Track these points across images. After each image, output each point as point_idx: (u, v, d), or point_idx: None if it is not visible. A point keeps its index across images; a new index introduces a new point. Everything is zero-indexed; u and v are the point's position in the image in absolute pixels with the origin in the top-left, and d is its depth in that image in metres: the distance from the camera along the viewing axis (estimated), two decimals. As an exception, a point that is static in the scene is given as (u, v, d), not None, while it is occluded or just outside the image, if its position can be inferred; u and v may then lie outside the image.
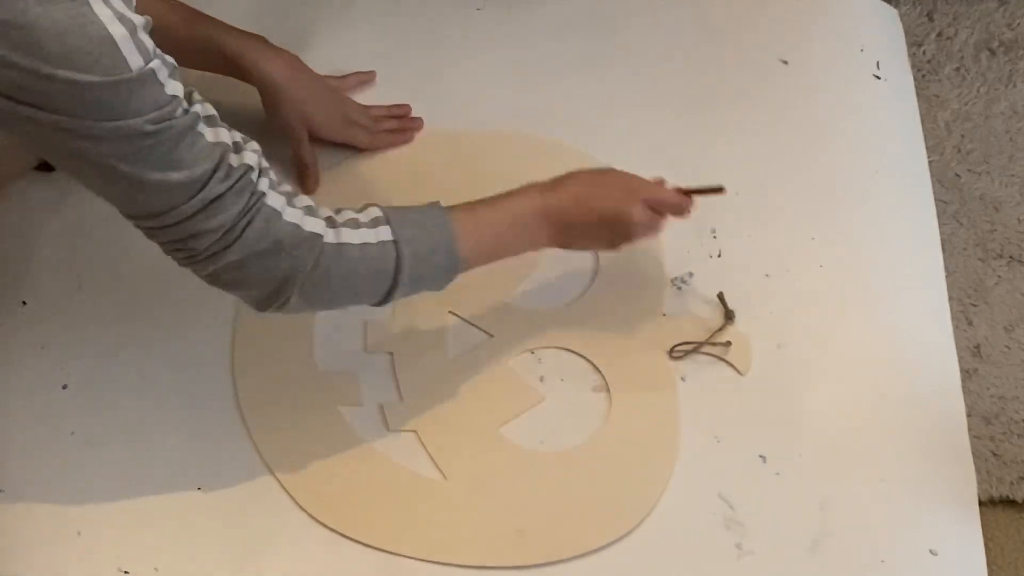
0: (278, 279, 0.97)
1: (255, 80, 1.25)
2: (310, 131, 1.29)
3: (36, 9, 0.81)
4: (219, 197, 0.92)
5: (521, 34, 1.45)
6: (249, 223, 0.94)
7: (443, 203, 1.07)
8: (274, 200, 0.96)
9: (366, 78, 1.38)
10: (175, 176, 0.90)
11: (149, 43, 0.87)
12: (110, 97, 0.85)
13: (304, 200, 1.00)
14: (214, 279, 0.98)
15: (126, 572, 1.07)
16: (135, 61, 0.85)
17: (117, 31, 0.84)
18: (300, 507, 1.10)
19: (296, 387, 1.17)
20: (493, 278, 1.23)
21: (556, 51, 1.43)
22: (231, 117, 1.32)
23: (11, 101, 0.84)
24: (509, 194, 1.10)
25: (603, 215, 1.11)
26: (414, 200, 1.30)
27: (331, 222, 1.00)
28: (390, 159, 1.33)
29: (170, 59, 0.90)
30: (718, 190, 1.17)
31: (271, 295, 0.99)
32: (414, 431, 1.14)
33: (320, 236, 0.98)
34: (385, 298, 1.04)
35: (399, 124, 1.35)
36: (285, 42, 1.30)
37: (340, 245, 0.99)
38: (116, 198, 0.93)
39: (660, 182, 1.16)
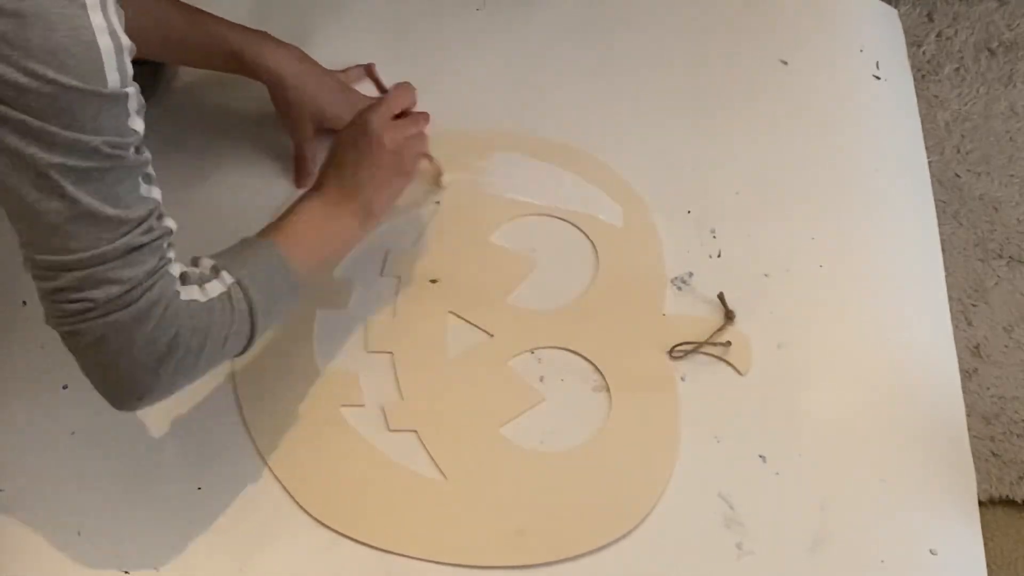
0: (160, 351, 0.93)
1: (262, 76, 1.25)
2: (320, 123, 1.29)
3: (30, 0, 0.80)
4: (138, 248, 0.90)
5: (521, 34, 1.45)
6: (152, 286, 0.91)
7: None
8: (174, 270, 0.94)
9: (367, 70, 1.39)
10: (109, 210, 0.87)
11: (130, 69, 0.86)
12: (80, 106, 0.84)
13: (181, 267, 0.97)
14: (96, 345, 0.91)
15: (126, 572, 1.07)
16: (113, 79, 0.84)
17: (104, 43, 0.83)
18: (300, 507, 1.10)
19: (297, 387, 1.17)
20: (493, 278, 1.24)
21: (556, 51, 1.43)
22: (235, 117, 1.34)
23: None
24: (294, 205, 1.11)
25: (365, 163, 1.12)
26: (413, 201, 1.30)
27: (199, 284, 0.97)
28: (390, 159, 1.33)
29: (142, 99, 0.89)
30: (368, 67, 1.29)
31: (149, 370, 0.93)
32: (414, 431, 1.14)
33: (196, 301, 0.95)
34: (248, 341, 1.00)
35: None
36: (282, 40, 1.30)
37: (209, 304, 0.96)
38: (38, 222, 0.87)
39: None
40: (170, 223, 0.94)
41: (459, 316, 1.21)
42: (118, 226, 0.88)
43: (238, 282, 0.99)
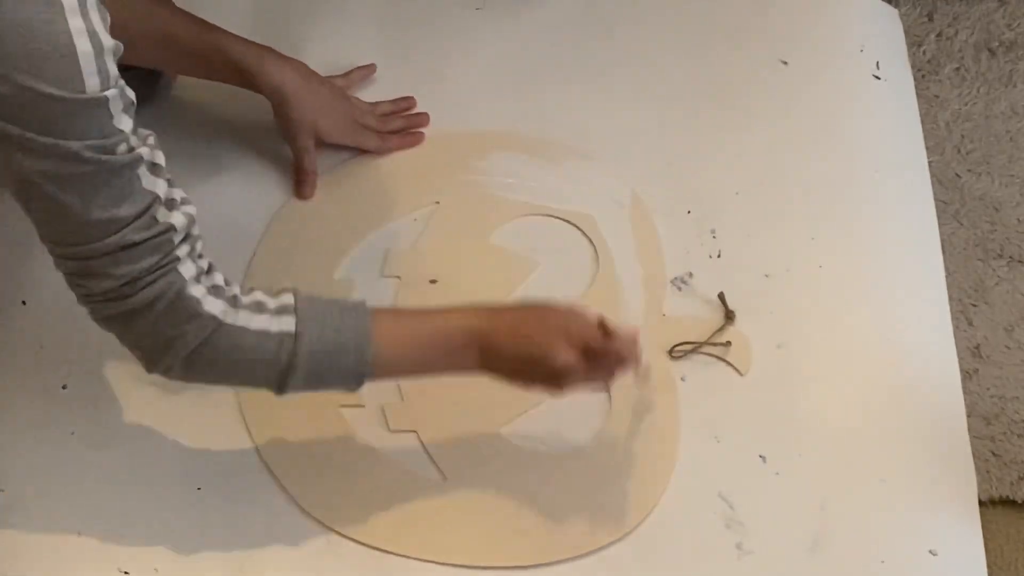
0: (161, 345, 0.93)
1: (265, 90, 1.25)
2: (320, 137, 1.29)
3: (9, 4, 0.79)
4: (132, 246, 0.89)
5: (521, 34, 1.45)
6: (152, 282, 0.90)
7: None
8: (186, 269, 0.92)
9: (368, 72, 1.39)
10: (96, 213, 0.87)
11: (113, 70, 0.85)
12: (56, 113, 0.83)
13: (216, 278, 0.95)
14: (106, 324, 0.94)
15: (126, 572, 1.07)
16: (92, 83, 0.83)
17: (83, 47, 0.82)
18: (300, 507, 1.10)
19: (296, 387, 1.17)
20: (493, 278, 1.23)
21: (556, 51, 1.43)
22: (237, 126, 1.34)
23: None
24: (445, 310, 1.02)
25: (528, 355, 1.00)
26: (413, 201, 1.30)
27: (234, 302, 0.95)
28: (390, 160, 1.33)
29: (131, 93, 0.87)
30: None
31: (154, 358, 0.94)
32: (414, 431, 1.14)
33: (215, 318, 0.93)
34: (278, 389, 0.97)
35: (406, 122, 1.35)
36: (285, 43, 1.30)
37: (236, 328, 0.94)
38: (34, 217, 0.90)
39: (609, 325, 1.02)
40: (178, 218, 0.91)
41: (459, 316, 1.21)
42: (107, 224, 0.88)
43: (296, 335, 0.95)
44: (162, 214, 0.90)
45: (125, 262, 0.89)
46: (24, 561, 1.08)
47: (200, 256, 0.94)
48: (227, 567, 1.07)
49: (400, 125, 1.35)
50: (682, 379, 1.17)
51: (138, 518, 1.10)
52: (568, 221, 1.28)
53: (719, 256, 1.26)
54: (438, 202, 1.29)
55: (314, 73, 1.29)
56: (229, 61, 1.23)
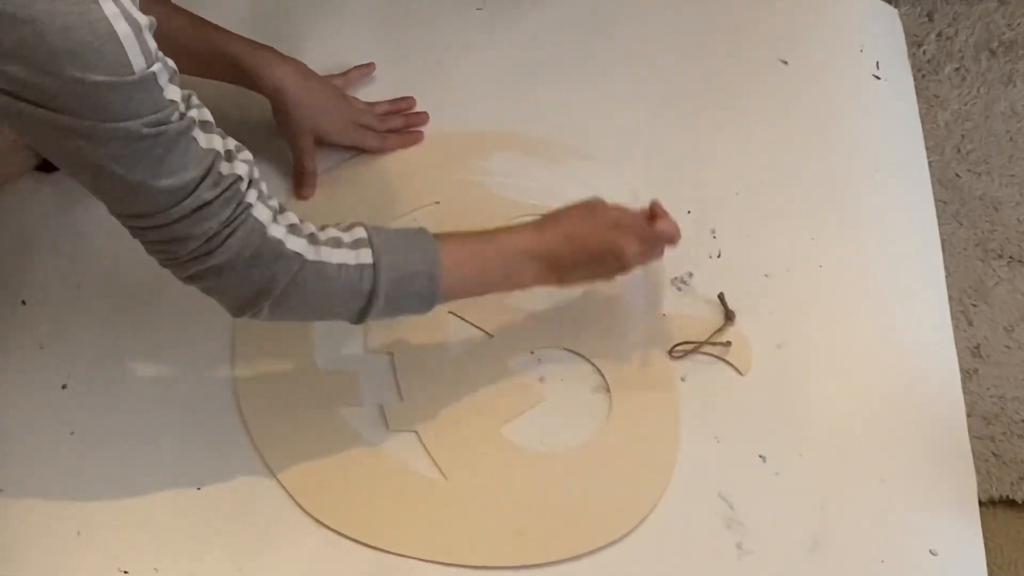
0: (253, 291, 0.97)
1: (265, 89, 1.25)
2: (320, 138, 1.29)
3: (42, 3, 0.81)
4: (206, 204, 0.92)
5: (521, 34, 1.45)
6: (233, 232, 0.94)
7: (437, 217, 1.08)
8: (260, 213, 0.96)
9: (367, 71, 1.39)
10: (165, 181, 0.90)
11: (152, 44, 0.87)
12: (111, 99, 0.85)
13: (290, 217, 0.99)
14: (192, 281, 0.98)
15: (126, 572, 1.07)
16: (138, 62, 0.85)
17: (122, 29, 0.84)
18: (300, 507, 1.10)
19: (296, 387, 1.17)
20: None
21: (556, 51, 1.43)
22: (237, 125, 1.34)
23: (12, 98, 0.84)
24: (500, 230, 1.09)
25: (595, 252, 1.10)
26: (413, 201, 1.30)
27: (313, 239, 0.99)
28: (390, 160, 1.33)
29: (171, 63, 0.90)
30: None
31: (245, 304, 0.99)
32: (414, 431, 1.14)
33: (300, 255, 0.98)
34: (359, 317, 1.03)
35: (405, 121, 1.35)
36: (284, 42, 1.30)
37: (319, 263, 0.99)
38: (106, 197, 0.93)
39: (654, 206, 1.14)
40: (239, 166, 0.94)
41: (459, 316, 1.21)
42: (178, 191, 0.91)
43: (374, 265, 1.00)
44: (225, 167, 0.93)
45: (203, 220, 0.92)
46: (24, 561, 1.08)
47: (270, 197, 0.98)
48: (227, 567, 1.07)
49: (399, 124, 1.35)
50: (682, 379, 1.18)
51: (138, 518, 1.10)
52: (568, 221, 1.28)
53: (719, 256, 1.26)
54: (438, 202, 1.29)
55: (313, 73, 1.29)
56: (229, 60, 1.23)
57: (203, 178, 0.92)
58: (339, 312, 1.03)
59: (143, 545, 1.08)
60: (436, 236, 1.06)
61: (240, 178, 0.94)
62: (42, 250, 1.26)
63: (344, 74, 1.37)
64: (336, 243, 1.00)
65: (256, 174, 0.97)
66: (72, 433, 1.15)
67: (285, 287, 0.97)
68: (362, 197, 1.30)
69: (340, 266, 0.99)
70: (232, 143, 0.96)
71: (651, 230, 1.13)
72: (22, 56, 0.82)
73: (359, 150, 1.33)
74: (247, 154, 0.96)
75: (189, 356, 1.19)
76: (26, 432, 1.15)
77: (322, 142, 1.30)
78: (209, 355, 1.19)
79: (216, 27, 1.24)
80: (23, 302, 1.22)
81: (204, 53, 1.23)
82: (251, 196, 0.95)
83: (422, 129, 1.35)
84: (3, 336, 1.20)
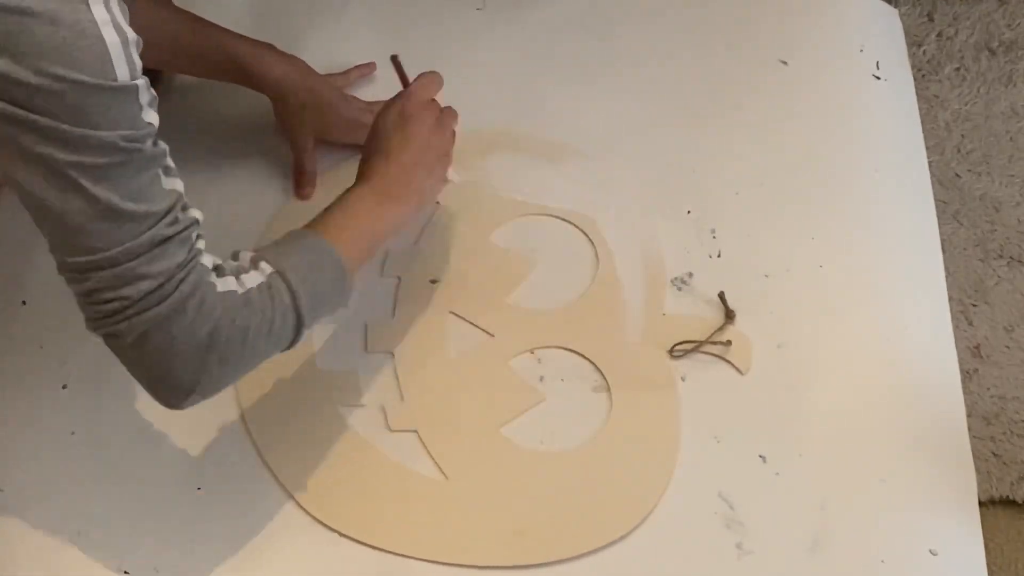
0: (201, 344, 0.92)
1: (266, 88, 1.25)
2: (320, 136, 1.29)
3: None
4: (165, 241, 0.89)
5: (521, 34, 1.45)
6: (184, 278, 0.91)
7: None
8: (206, 260, 0.94)
9: (367, 71, 1.39)
10: (130, 205, 0.87)
11: (138, 62, 0.86)
12: (91, 102, 0.83)
13: (214, 259, 0.96)
14: (138, 344, 0.91)
15: (126, 572, 1.07)
16: (122, 72, 0.84)
17: (110, 37, 0.83)
18: (300, 507, 1.10)
19: (296, 387, 1.17)
20: (493, 278, 1.23)
21: (556, 51, 1.43)
22: (237, 125, 1.34)
23: None
24: (341, 197, 1.10)
25: (412, 154, 1.12)
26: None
27: (236, 274, 0.96)
28: (390, 159, 1.33)
29: (153, 92, 0.88)
30: (394, 59, 1.21)
31: (194, 365, 0.92)
32: (415, 431, 1.14)
33: (233, 292, 0.94)
34: (295, 334, 0.99)
35: None
36: (284, 42, 1.30)
37: (246, 295, 0.95)
38: (62, 223, 0.87)
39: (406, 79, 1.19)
40: (196, 213, 0.93)
41: (459, 316, 1.21)
42: (143, 220, 0.88)
43: (278, 272, 0.98)
44: (182, 213, 0.91)
45: (161, 258, 0.89)
46: (24, 561, 1.08)
47: (207, 249, 0.96)
48: (227, 567, 1.07)
49: None
50: (682, 379, 1.18)
51: (138, 518, 1.10)
52: (568, 221, 1.28)
53: (719, 256, 1.26)
54: (438, 202, 1.29)
55: (314, 71, 1.29)
56: (230, 59, 1.23)
57: (166, 213, 0.89)
58: (278, 337, 0.98)
59: (143, 545, 1.08)
60: (306, 228, 1.05)
61: (196, 222, 0.93)
62: (42, 250, 1.25)
63: (344, 73, 1.37)
64: (240, 270, 0.97)
65: (200, 228, 0.94)
66: (72, 433, 1.15)
67: (228, 332, 0.93)
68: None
69: (259, 287, 0.96)
70: (184, 196, 0.93)
71: (415, 94, 1.14)
72: (7, 48, 0.80)
73: (358, 148, 1.33)
74: (196, 209, 0.94)
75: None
76: (26, 432, 1.15)
77: (322, 141, 1.30)
78: (209, 355, 1.19)
79: (217, 27, 1.24)
80: (23, 302, 1.22)
81: (205, 53, 1.23)
82: (201, 244, 0.94)
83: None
84: (3, 336, 1.20)
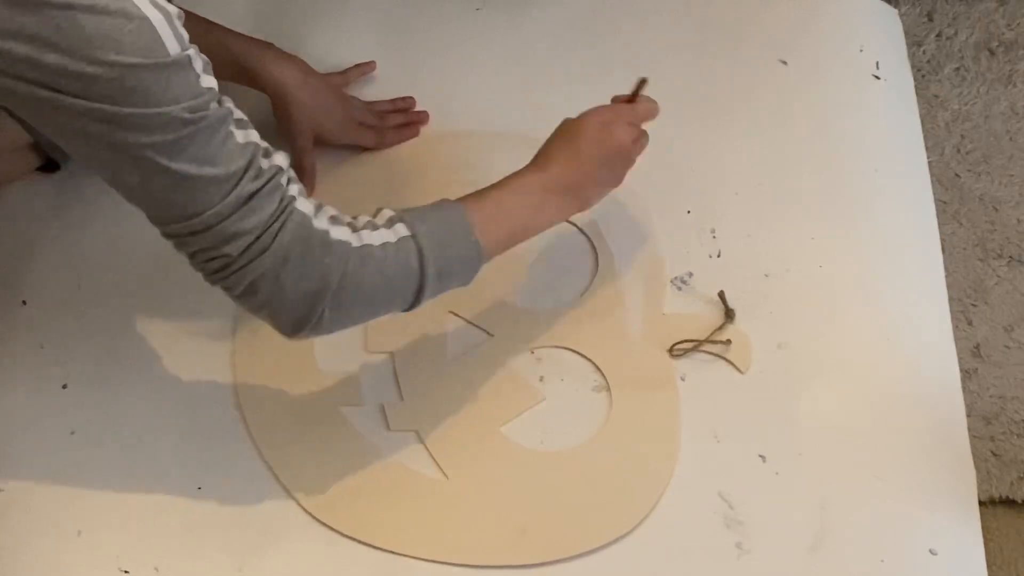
0: (311, 291, 0.95)
1: (266, 88, 1.25)
2: (319, 136, 1.29)
3: None
4: (252, 196, 0.91)
5: (521, 34, 1.45)
6: (282, 226, 0.93)
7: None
8: (304, 206, 0.95)
9: (367, 69, 1.39)
10: (210, 171, 0.89)
11: (184, 32, 0.87)
12: (149, 82, 0.84)
13: (329, 210, 0.98)
14: (250, 293, 0.94)
15: (126, 572, 1.07)
16: (172, 46, 0.85)
17: (154, 15, 0.84)
18: (301, 507, 1.10)
19: (296, 387, 1.17)
20: (493, 278, 1.23)
21: (556, 51, 1.43)
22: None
23: (53, 91, 0.84)
24: (508, 179, 1.09)
25: (598, 160, 1.11)
26: (416, 202, 1.30)
27: (352, 227, 0.98)
28: (391, 160, 1.34)
29: (205, 56, 0.90)
30: (643, 82, 1.19)
31: (304, 312, 0.96)
32: (415, 431, 1.14)
33: (347, 243, 0.96)
34: (415, 298, 1.01)
35: (405, 118, 1.36)
36: (284, 42, 1.30)
37: (365, 248, 0.97)
38: (151, 199, 0.91)
39: (624, 98, 1.18)
40: (280, 159, 0.94)
41: (459, 316, 1.21)
42: (224, 182, 0.90)
43: (413, 236, 0.99)
44: (264, 161, 0.93)
45: (252, 213, 0.91)
46: (24, 561, 1.08)
47: (304, 192, 0.97)
48: (227, 567, 1.07)
49: (399, 121, 1.35)
50: (682, 379, 1.18)
51: (138, 518, 1.10)
52: (568, 221, 1.28)
53: (719, 256, 1.26)
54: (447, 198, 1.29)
55: (313, 71, 1.29)
56: (230, 58, 1.23)
57: (246, 169, 0.91)
58: (396, 298, 1.01)
59: (143, 545, 1.09)
60: (459, 200, 1.05)
61: (281, 170, 0.94)
62: (42, 250, 1.26)
63: (343, 72, 1.37)
64: (372, 227, 0.99)
65: (292, 172, 0.96)
66: (72, 433, 1.15)
67: (340, 281, 0.95)
68: (361, 197, 1.30)
69: (384, 246, 0.98)
70: (265, 142, 0.95)
71: (633, 112, 1.15)
72: (58, 43, 0.82)
73: (358, 149, 1.33)
74: (283, 153, 0.95)
75: (189, 356, 1.19)
76: (26, 432, 1.15)
77: (321, 140, 1.30)
78: (209, 355, 1.19)
79: (217, 26, 1.24)
80: (23, 302, 1.23)
81: (205, 51, 1.23)
82: (293, 189, 0.95)
83: (421, 128, 1.35)
84: (3, 336, 1.21)
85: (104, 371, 1.18)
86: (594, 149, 1.11)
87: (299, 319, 0.97)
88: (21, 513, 1.10)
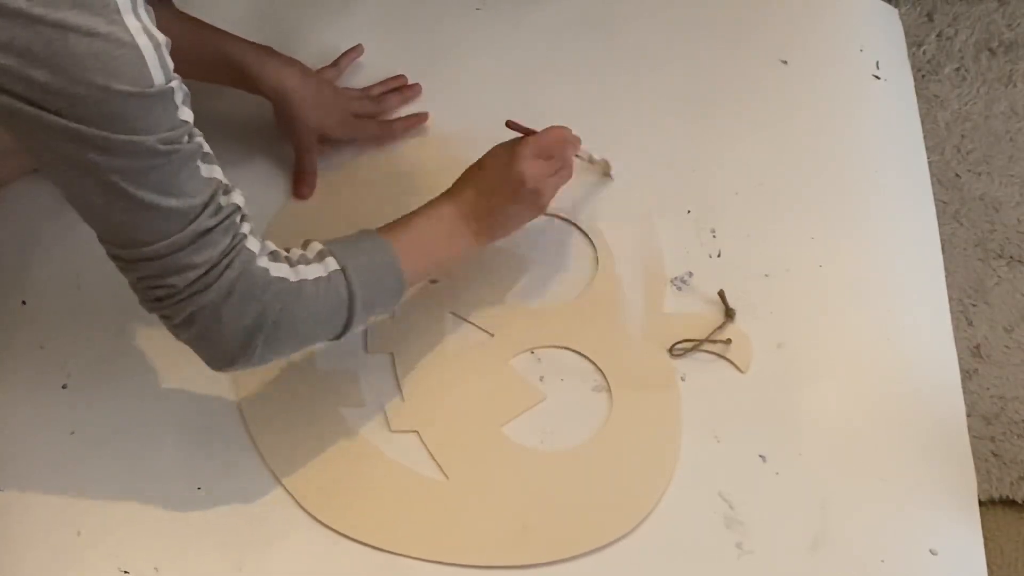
0: (249, 327, 0.96)
1: (266, 91, 1.25)
2: (322, 135, 1.29)
3: (67, 10, 0.82)
4: (208, 231, 0.92)
5: (521, 34, 1.45)
6: (229, 264, 0.94)
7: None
8: (252, 244, 0.96)
9: (355, 55, 1.40)
10: (172, 202, 0.90)
11: (170, 62, 0.88)
12: (131, 110, 0.85)
13: (270, 246, 1.00)
14: (187, 324, 0.96)
15: (126, 572, 1.07)
16: (158, 76, 0.86)
17: (144, 43, 0.85)
18: (301, 507, 1.10)
19: (296, 387, 1.17)
20: (493, 278, 1.24)
21: (556, 51, 1.43)
22: (236, 127, 1.34)
23: (33, 106, 0.84)
24: (422, 209, 1.12)
25: (506, 191, 1.13)
26: (413, 202, 1.30)
27: (289, 262, 1.00)
28: (390, 160, 1.34)
29: (185, 88, 0.90)
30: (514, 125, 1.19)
31: (241, 346, 0.97)
32: (415, 431, 1.14)
33: (285, 280, 0.98)
34: (344, 329, 1.03)
35: (401, 97, 1.37)
36: (284, 42, 1.31)
37: (301, 283, 0.99)
38: (109, 221, 0.92)
39: (522, 129, 1.18)
40: (237, 198, 0.95)
41: (459, 316, 1.21)
42: (185, 214, 0.91)
43: (342, 270, 1.01)
44: (223, 199, 0.94)
45: (205, 248, 0.92)
46: (24, 561, 1.08)
47: (254, 231, 0.98)
48: (227, 566, 1.07)
49: (397, 101, 1.36)
50: (682, 378, 1.18)
51: (138, 518, 1.10)
52: (568, 220, 1.28)
53: (719, 256, 1.26)
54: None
55: (311, 71, 1.29)
56: (230, 64, 1.23)
57: (206, 205, 0.92)
58: (326, 329, 1.03)
59: (143, 545, 1.09)
60: (379, 231, 1.08)
61: (237, 208, 0.95)
62: (42, 250, 1.26)
63: (334, 64, 1.37)
64: (305, 260, 1.01)
65: (245, 210, 0.97)
66: (72, 433, 1.15)
67: (276, 317, 0.97)
68: (361, 197, 1.31)
69: (316, 280, 1.00)
70: (226, 179, 0.96)
71: (536, 144, 1.14)
72: (47, 60, 0.82)
73: (360, 148, 1.33)
74: (239, 192, 0.96)
75: (190, 356, 1.18)
76: (26, 432, 1.15)
77: (324, 139, 1.30)
78: (209, 355, 1.19)
79: (215, 30, 1.24)
80: (23, 302, 1.22)
81: (204, 57, 1.23)
82: (245, 227, 0.96)
83: (420, 128, 1.35)
84: (3, 336, 1.20)
85: (104, 371, 1.18)
86: (497, 184, 1.13)
87: (233, 353, 0.98)
88: (21, 513, 1.10)
